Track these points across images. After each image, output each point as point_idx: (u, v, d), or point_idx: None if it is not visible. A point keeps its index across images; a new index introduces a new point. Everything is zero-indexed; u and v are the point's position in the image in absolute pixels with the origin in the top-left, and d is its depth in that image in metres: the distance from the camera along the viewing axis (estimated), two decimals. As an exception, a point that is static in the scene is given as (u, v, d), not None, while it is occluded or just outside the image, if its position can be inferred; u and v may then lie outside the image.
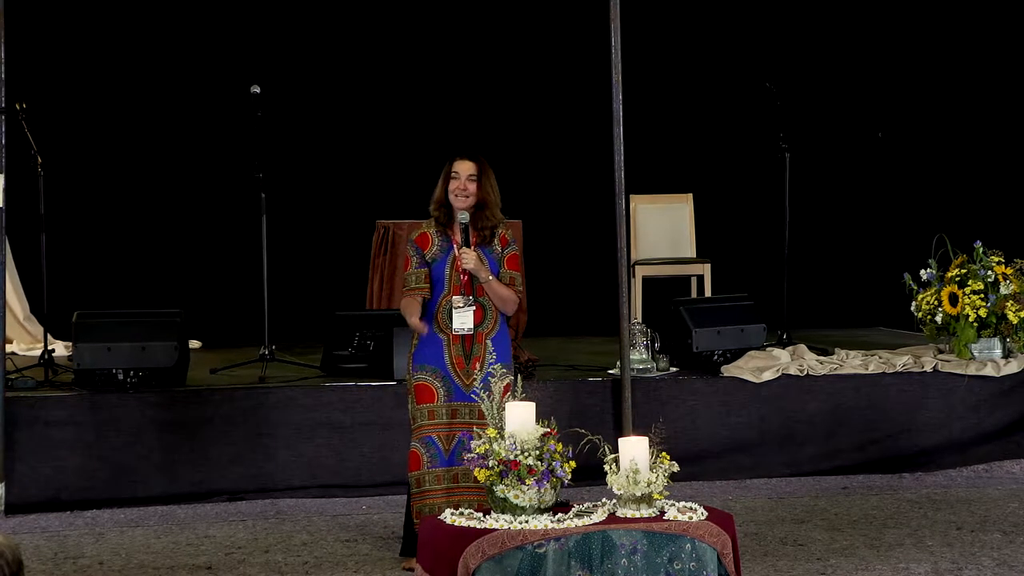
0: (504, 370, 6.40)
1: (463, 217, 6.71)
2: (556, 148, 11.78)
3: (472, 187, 6.75)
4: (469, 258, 6.68)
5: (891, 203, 12.14)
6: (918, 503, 8.17)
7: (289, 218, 10.84)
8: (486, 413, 5.59)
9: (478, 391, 6.42)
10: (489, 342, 6.75)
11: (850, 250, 12.17)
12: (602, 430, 6.74)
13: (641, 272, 10.41)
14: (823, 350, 9.44)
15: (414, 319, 6.70)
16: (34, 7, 10.68)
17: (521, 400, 5.52)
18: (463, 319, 6.71)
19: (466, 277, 6.73)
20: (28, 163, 9.11)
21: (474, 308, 6.72)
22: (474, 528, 5.19)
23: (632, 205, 10.33)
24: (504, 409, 5.46)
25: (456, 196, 6.76)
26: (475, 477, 5.50)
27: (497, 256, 6.82)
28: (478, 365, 6.70)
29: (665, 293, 10.19)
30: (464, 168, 6.79)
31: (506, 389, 6.18)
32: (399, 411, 8.47)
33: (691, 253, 10.66)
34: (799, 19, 12.07)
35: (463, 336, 6.72)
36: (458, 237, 6.75)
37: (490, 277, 6.73)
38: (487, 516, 5.28)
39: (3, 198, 7.91)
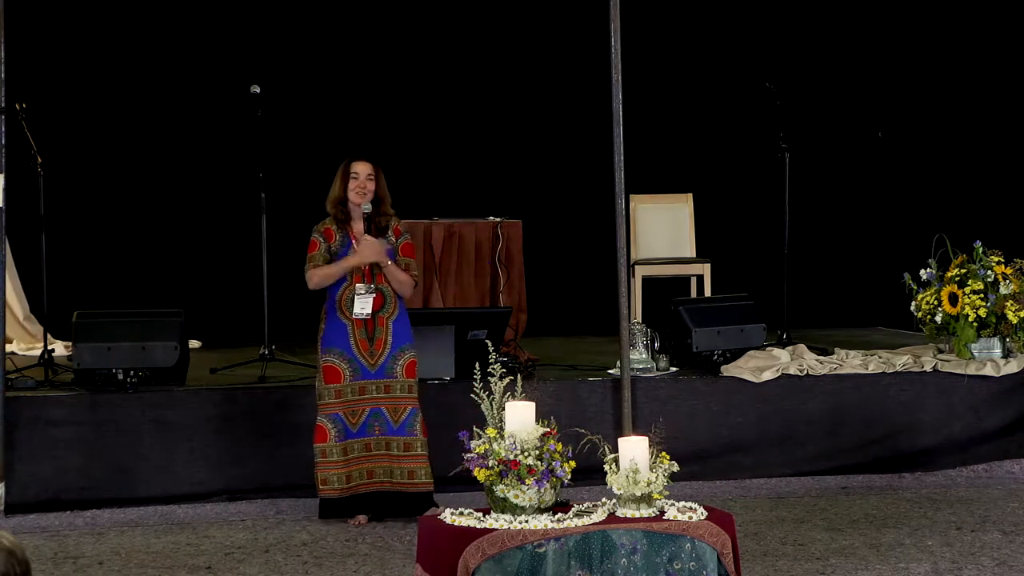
0: (410, 350, 7.54)
1: (366, 208, 7.60)
2: (556, 148, 11.78)
3: (371, 185, 7.67)
4: (370, 247, 7.53)
5: (891, 203, 12.14)
6: (918, 503, 8.17)
7: (289, 218, 10.83)
8: (485, 413, 5.59)
9: (384, 369, 7.43)
10: (391, 324, 7.57)
11: (850, 250, 12.17)
12: (602, 430, 6.75)
13: (641, 272, 10.41)
14: (823, 350, 9.43)
15: (344, 263, 7.50)
16: (34, 7, 10.68)
17: (521, 400, 5.51)
18: (363, 305, 7.50)
19: (366, 268, 7.52)
20: (28, 163, 9.11)
21: (374, 295, 7.49)
22: (474, 528, 5.18)
23: (632, 205, 10.33)
24: (504, 408, 5.46)
25: (356, 193, 7.63)
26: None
27: (393, 245, 7.65)
28: (382, 346, 7.53)
29: (665, 293, 10.18)
30: (363, 169, 7.71)
31: (410, 366, 7.53)
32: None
33: (691, 253, 10.66)
34: (799, 19, 12.08)
35: (364, 320, 7.50)
36: (356, 231, 7.59)
37: (389, 262, 7.54)
38: (487, 516, 5.28)
39: (3, 198, 7.92)
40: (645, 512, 5.25)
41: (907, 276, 9.51)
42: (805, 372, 8.97)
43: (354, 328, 7.53)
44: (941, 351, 9.43)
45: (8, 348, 9.27)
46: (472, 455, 5.38)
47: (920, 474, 8.91)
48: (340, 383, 7.53)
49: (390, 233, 7.66)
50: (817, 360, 9.13)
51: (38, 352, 9.39)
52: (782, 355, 9.11)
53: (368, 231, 7.61)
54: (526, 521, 5.19)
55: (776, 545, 7.23)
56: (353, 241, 7.58)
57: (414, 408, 7.59)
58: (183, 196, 11.31)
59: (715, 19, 12.03)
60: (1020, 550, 7.06)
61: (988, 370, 9.08)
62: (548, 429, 5.41)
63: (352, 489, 7.59)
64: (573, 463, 5.34)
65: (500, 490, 5.26)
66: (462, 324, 8.62)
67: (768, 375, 8.87)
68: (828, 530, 7.53)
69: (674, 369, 9.01)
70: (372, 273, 7.55)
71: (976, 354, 9.20)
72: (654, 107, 11.44)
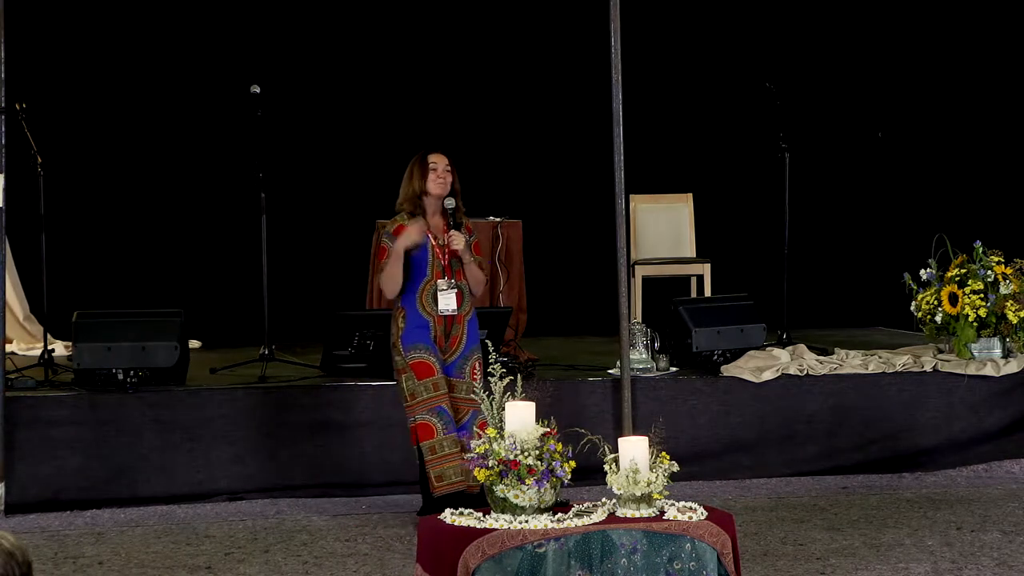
0: (478, 351, 7.37)
1: (450, 203, 7.34)
2: (556, 148, 11.78)
3: (449, 177, 7.40)
4: (459, 239, 7.28)
5: (891, 203, 12.14)
6: (918, 503, 8.17)
7: (289, 218, 10.85)
8: (485, 412, 5.59)
9: (453, 368, 7.30)
10: (466, 323, 7.42)
11: (850, 250, 12.17)
12: (602, 430, 6.75)
13: (641, 272, 10.41)
14: (823, 350, 9.44)
15: (408, 236, 7.27)
16: (34, 7, 10.68)
17: (521, 400, 5.52)
18: (447, 301, 7.33)
19: (447, 262, 7.33)
20: (28, 163, 9.11)
21: (456, 291, 7.34)
22: (474, 528, 5.18)
23: (632, 205, 10.33)
24: (504, 408, 5.46)
25: (437, 184, 7.36)
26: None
27: (467, 241, 7.42)
28: (456, 344, 7.38)
29: (665, 293, 10.18)
30: (441, 160, 7.40)
31: (475, 368, 7.36)
32: (399, 411, 8.46)
33: (691, 253, 10.66)
34: (799, 19, 12.07)
35: (445, 317, 7.34)
36: (433, 226, 7.36)
37: (471, 258, 7.37)
38: (487, 516, 5.28)
39: (3, 198, 7.92)
40: (645, 512, 5.25)
41: (907, 276, 9.51)
42: (805, 372, 8.97)
43: (435, 324, 7.34)
44: (941, 351, 9.43)
45: (8, 348, 9.27)
46: (472, 455, 5.38)
47: (920, 474, 8.91)
48: (435, 376, 7.31)
49: (463, 230, 7.41)
50: (817, 360, 9.13)
51: (38, 352, 9.39)
52: (782, 355, 9.11)
53: (456, 226, 7.33)
54: (526, 521, 5.19)
55: (776, 545, 7.23)
56: (430, 238, 7.34)
57: (474, 411, 7.28)
58: (183, 196, 11.30)
59: (715, 19, 12.03)
60: (1020, 550, 7.06)
61: (988, 370, 9.08)
62: (548, 429, 5.41)
63: (464, 483, 7.16)
64: (573, 463, 5.34)
65: (500, 490, 5.26)
66: (462, 324, 8.61)
67: (768, 375, 8.87)
68: (828, 530, 7.53)
69: (674, 369, 9.01)
70: (451, 269, 7.36)
71: (976, 354, 9.20)
72: (654, 107, 11.44)
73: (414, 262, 7.34)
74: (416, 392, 7.33)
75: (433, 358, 7.31)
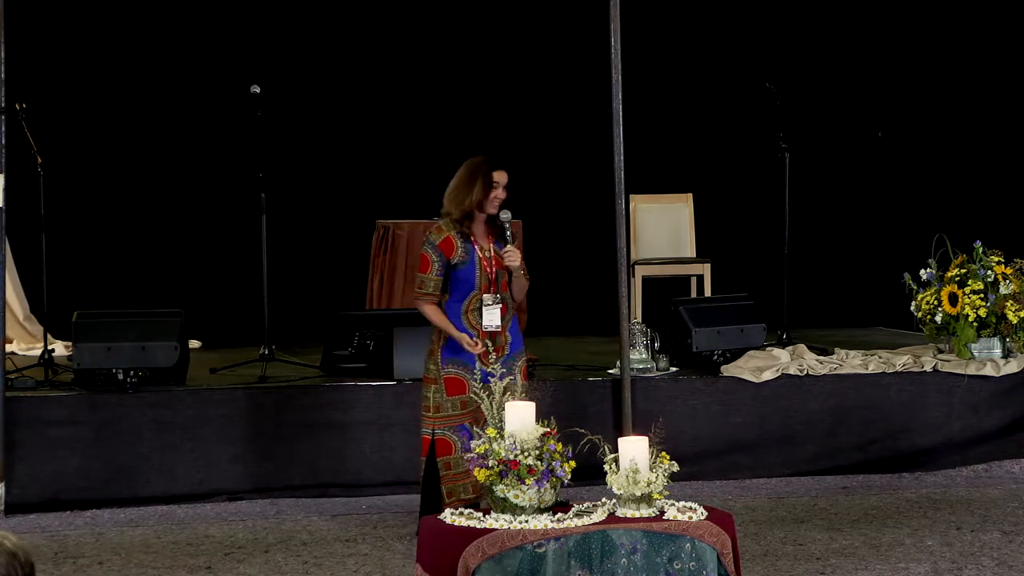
0: (523, 355, 7.21)
1: (507, 216, 7.11)
2: (556, 148, 11.78)
3: (504, 195, 7.15)
4: (516, 256, 7.08)
5: (891, 203, 12.14)
6: (918, 503, 8.17)
7: (289, 218, 10.85)
8: (486, 413, 5.60)
9: (493, 373, 6.77)
10: (508, 333, 7.17)
11: (850, 250, 12.17)
12: (602, 430, 6.73)
13: (641, 272, 10.41)
14: (823, 350, 9.44)
15: (455, 331, 7.04)
16: (34, 7, 10.68)
17: (521, 400, 5.52)
18: (492, 316, 7.12)
19: (493, 276, 7.12)
20: (28, 163, 9.11)
21: (501, 305, 7.13)
22: (474, 528, 5.18)
23: (632, 205, 10.33)
24: (504, 408, 5.46)
25: (494, 205, 7.13)
26: None
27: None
28: (500, 352, 7.10)
29: (665, 293, 10.18)
30: (503, 178, 7.14)
31: (523, 371, 7.13)
32: (399, 411, 8.48)
33: (691, 253, 10.66)
34: (799, 19, 12.07)
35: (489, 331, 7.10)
36: (476, 234, 7.12)
37: (523, 271, 7.20)
38: (487, 516, 5.28)
39: (3, 198, 7.92)
40: (645, 512, 5.25)
41: (907, 276, 9.51)
42: (805, 372, 8.97)
43: (479, 338, 7.07)
44: (941, 351, 9.43)
45: (8, 348, 9.28)
46: (472, 455, 5.38)
47: (920, 474, 8.91)
48: (465, 394, 7.00)
49: (511, 238, 7.17)
50: (817, 360, 9.13)
51: (38, 352, 9.39)
52: (782, 355, 9.11)
53: (509, 240, 7.11)
54: (526, 521, 5.19)
55: (776, 545, 7.23)
56: (477, 250, 7.08)
57: None
58: (183, 196, 11.30)
59: (715, 19, 12.03)
60: (1020, 550, 7.06)
61: (988, 370, 9.08)
62: (548, 429, 5.41)
63: (475, 498, 7.05)
64: (573, 463, 5.34)
65: (500, 490, 5.26)
66: (462, 324, 8.60)
67: (768, 375, 8.87)
68: (828, 530, 7.53)
69: (674, 369, 9.01)
70: (497, 282, 7.12)
71: (976, 354, 9.20)
72: (654, 107, 11.44)
73: (460, 276, 7.08)
74: (442, 406, 7.11)
75: (469, 375, 6.93)
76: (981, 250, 9.26)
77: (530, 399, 5.51)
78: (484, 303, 7.08)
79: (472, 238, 7.10)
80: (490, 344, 7.07)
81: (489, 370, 6.83)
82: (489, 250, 7.12)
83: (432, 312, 7.08)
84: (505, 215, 7.09)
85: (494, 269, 7.11)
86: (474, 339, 7.01)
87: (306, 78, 11.44)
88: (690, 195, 10.79)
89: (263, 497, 8.30)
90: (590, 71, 10.12)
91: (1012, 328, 9.17)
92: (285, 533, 7.60)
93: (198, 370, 8.92)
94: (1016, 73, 11.99)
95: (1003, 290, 9.13)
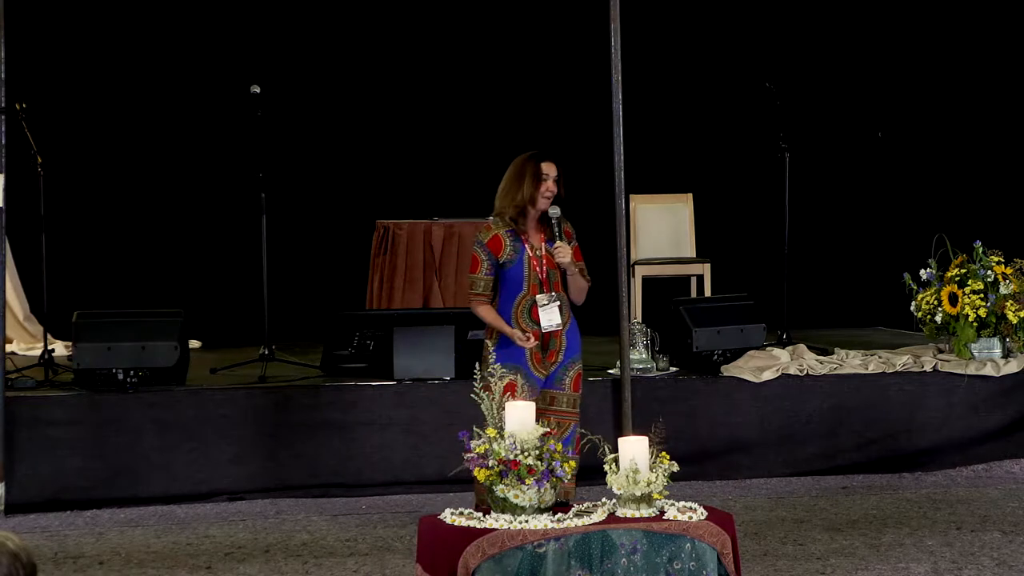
0: (579, 361, 6.97)
1: (555, 212, 6.82)
2: (556, 148, 11.72)
3: (555, 187, 6.88)
4: (566, 252, 6.83)
5: (891, 203, 12.14)
6: (918, 503, 8.17)
7: (289, 218, 10.84)
8: (485, 413, 5.60)
9: (553, 379, 6.82)
10: (565, 334, 6.93)
11: (850, 250, 12.16)
12: (602, 430, 6.74)
13: (641, 272, 10.41)
14: (823, 350, 9.43)
15: (506, 326, 6.78)
16: (34, 7, 10.68)
17: (521, 399, 5.52)
18: (551, 316, 6.84)
19: (544, 275, 6.85)
20: (28, 163, 9.11)
21: (558, 304, 6.86)
22: (474, 528, 5.18)
23: (632, 205, 10.33)
24: (504, 408, 5.46)
25: (545, 198, 6.85)
26: None
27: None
28: (555, 356, 6.88)
29: (665, 293, 10.18)
30: (553, 170, 6.89)
31: (577, 379, 6.94)
32: (399, 411, 8.48)
33: (691, 253, 10.66)
34: (799, 19, 12.07)
35: (544, 332, 6.82)
36: (532, 236, 6.86)
37: (576, 268, 6.92)
38: (487, 516, 5.28)
39: (3, 198, 7.92)
40: (645, 512, 5.25)
41: (907, 276, 9.51)
42: (805, 372, 8.97)
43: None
44: (941, 351, 9.43)
45: (8, 348, 9.27)
46: (472, 455, 5.38)
47: (920, 474, 8.91)
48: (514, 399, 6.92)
49: (561, 234, 6.91)
50: (817, 360, 9.13)
51: (38, 352, 9.39)
52: (782, 355, 9.11)
53: (560, 237, 6.88)
54: (526, 521, 5.19)
55: (776, 545, 7.23)
56: (527, 248, 6.85)
57: (575, 424, 6.96)
58: (183, 196, 11.30)
59: (715, 19, 12.02)
60: (1020, 550, 7.06)
61: (988, 370, 9.09)
62: (548, 429, 5.41)
63: None
64: (573, 463, 5.35)
65: (500, 490, 5.26)
66: (462, 324, 8.61)
67: (768, 375, 8.87)
68: (828, 530, 7.53)
69: (674, 369, 9.01)
70: (549, 282, 6.88)
71: (976, 354, 9.20)
72: (654, 107, 11.43)
73: (509, 276, 6.84)
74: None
75: (520, 379, 6.62)
76: (981, 250, 9.26)
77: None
78: (539, 303, 6.83)
79: (524, 236, 6.86)
80: (539, 344, 6.80)
81: (536, 374, 6.78)
82: (540, 248, 6.88)
83: (485, 312, 6.82)
84: (554, 210, 6.82)
85: (545, 268, 6.86)
86: (526, 334, 6.76)
87: (306, 78, 11.44)
88: (690, 195, 10.78)
89: (263, 497, 8.30)
90: (590, 71, 10.11)
91: (1012, 328, 9.17)
92: (285, 533, 7.60)
93: (198, 370, 8.92)
94: (1016, 73, 11.99)
95: (1003, 290, 9.13)
